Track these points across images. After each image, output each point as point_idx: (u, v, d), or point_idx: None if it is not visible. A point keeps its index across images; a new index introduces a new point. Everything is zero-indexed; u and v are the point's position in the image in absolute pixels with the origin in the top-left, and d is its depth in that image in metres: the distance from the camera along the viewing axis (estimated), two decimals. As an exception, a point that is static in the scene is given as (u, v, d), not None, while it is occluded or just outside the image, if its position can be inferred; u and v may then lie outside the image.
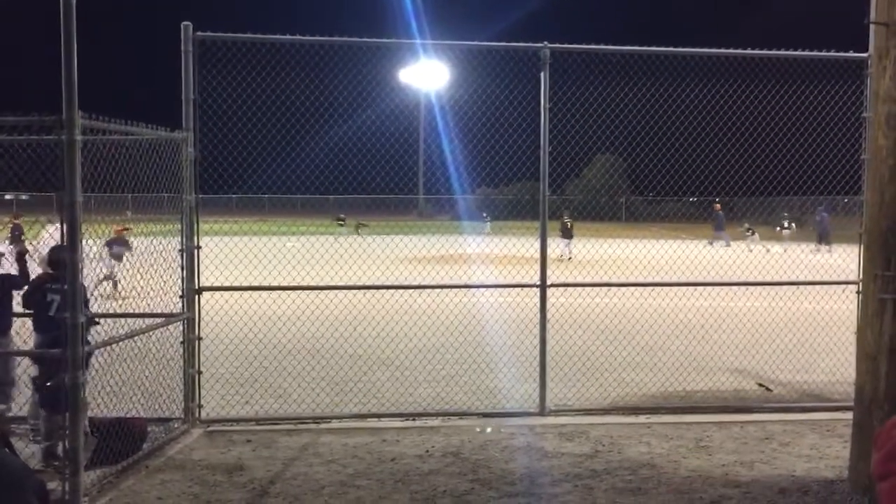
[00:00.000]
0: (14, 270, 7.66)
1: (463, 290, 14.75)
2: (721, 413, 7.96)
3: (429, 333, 10.08)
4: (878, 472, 1.73)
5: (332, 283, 10.99)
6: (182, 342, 7.33)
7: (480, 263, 21.64)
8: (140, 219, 7.52)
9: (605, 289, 13.65)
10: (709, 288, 11.26)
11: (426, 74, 39.05)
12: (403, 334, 10.60)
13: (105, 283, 13.79)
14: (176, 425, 7.17)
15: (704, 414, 7.93)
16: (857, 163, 8.20)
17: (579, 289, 9.24)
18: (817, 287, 11.55)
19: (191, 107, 7.29)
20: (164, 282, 7.17)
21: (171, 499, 5.62)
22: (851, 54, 8.07)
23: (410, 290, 9.80)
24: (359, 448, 6.76)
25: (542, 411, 7.83)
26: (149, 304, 7.25)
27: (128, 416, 6.65)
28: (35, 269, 7.25)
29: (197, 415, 7.43)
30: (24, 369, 6.94)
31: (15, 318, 7.37)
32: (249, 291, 8.81)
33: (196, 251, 7.42)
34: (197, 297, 7.44)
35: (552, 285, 8.01)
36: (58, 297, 6.50)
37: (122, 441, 6.26)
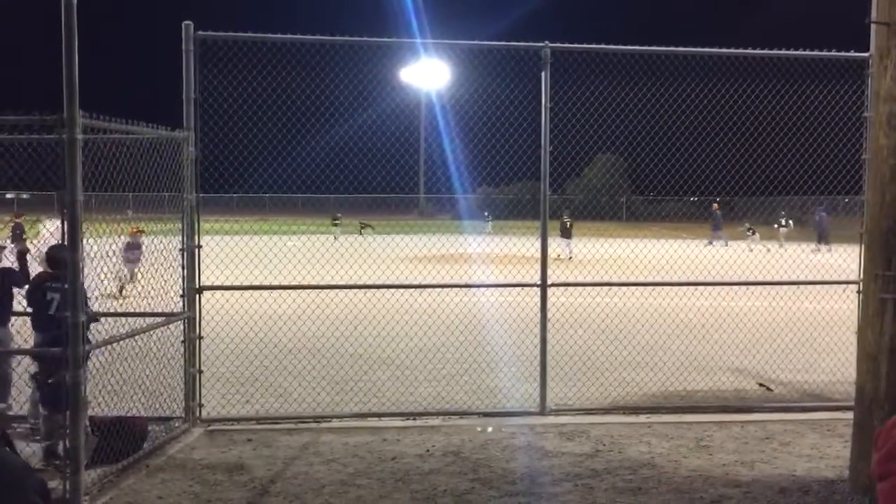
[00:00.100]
0: (15, 268, 7.66)
1: (463, 289, 14.75)
2: (721, 413, 7.96)
3: (429, 333, 10.08)
4: (878, 472, 1.73)
5: (333, 283, 11.00)
6: (183, 341, 7.33)
7: (481, 263, 21.64)
8: (141, 218, 7.52)
9: (605, 288, 13.65)
10: (709, 287, 11.26)
11: (427, 74, 39.02)
12: (404, 333, 10.60)
13: (115, 282, 13.62)
14: (176, 424, 7.18)
15: (705, 413, 7.93)
16: (857, 162, 8.20)
17: (580, 288, 9.25)
18: (818, 287, 11.55)
19: (192, 106, 7.30)
20: (165, 281, 7.18)
21: (172, 498, 5.62)
22: (852, 54, 8.06)
23: (411, 290, 9.81)
24: (359, 447, 6.76)
25: (543, 411, 7.83)
26: (149, 304, 7.25)
27: (128, 415, 6.66)
28: (36, 269, 7.26)
29: (197, 414, 7.43)
30: (25, 368, 6.94)
31: (16, 318, 7.38)
32: (250, 291, 8.82)
33: (197, 250, 7.42)
34: (198, 296, 7.44)
35: (553, 285, 8.01)
36: (57, 296, 6.51)
37: (123, 440, 6.27)
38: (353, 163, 10.21)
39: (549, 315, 8.03)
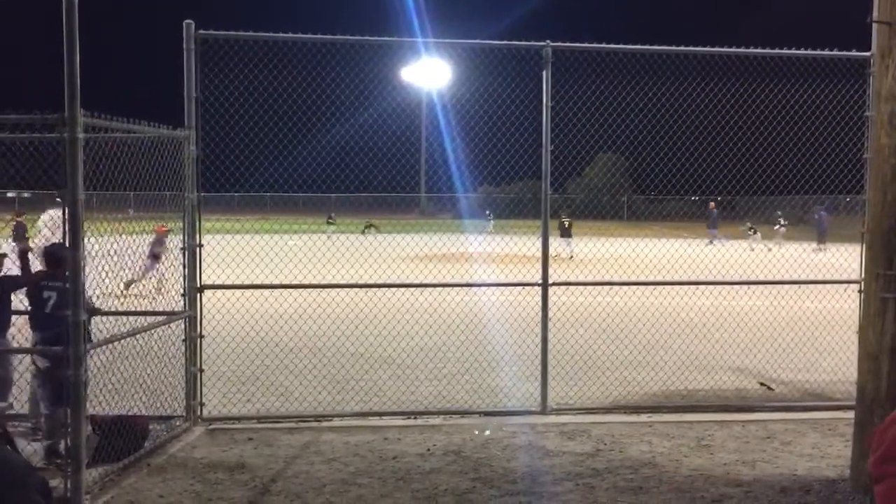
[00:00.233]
0: (17, 268, 7.67)
1: (465, 288, 14.76)
2: (723, 412, 7.95)
3: (430, 332, 10.08)
4: (874, 474, 1.73)
5: (334, 282, 11.00)
6: (184, 340, 7.33)
7: (482, 262, 21.64)
8: (142, 217, 7.52)
9: (606, 287, 13.66)
10: (710, 287, 11.26)
11: (428, 73, 39.07)
12: (405, 333, 10.60)
13: (134, 282, 13.45)
14: (178, 423, 7.18)
15: (706, 413, 7.92)
16: (859, 162, 8.20)
17: (581, 287, 9.25)
18: (819, 286, 11.55)
19: (193, 105, 7.30)
20: (167, 280, 7.18)
21: (173, 496, 5.63)
22: (854, 53, 8.05)
23: (412, 289, 9.78)
24: (360, 446, 6.76)
25: (544, 410, 7.83)
26: (151, 302, 7.26)
27: (130, 414, 6.66)
28: (37, 267, 7.26)
29: (198, 413, 7.44)
30: (27, 367, 6.94)
31: (17, 317, 7.38)
32: (251, 290, 8.82)
33: (198, 249, 7.42)
34: (199, 295, 7.45)
35: (554, 284, 8.00)
36: (54, 294, 6.51)
37: (124, 439, 6.27)
38: (355, 162, 10.22)
39: (551, 314, 8.02)
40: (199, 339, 7.44)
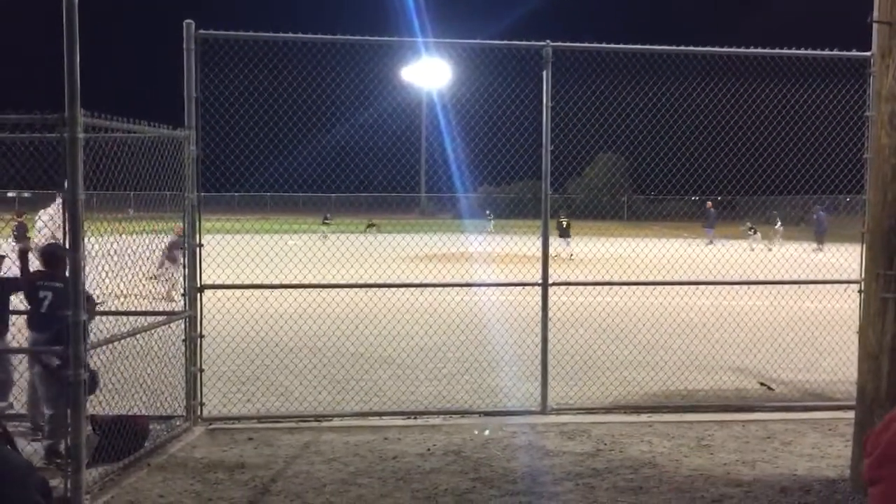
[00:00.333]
0: (17, 268, 7.67)
1: (465, 288, 14.77)
2: (723, 412, 7.95)
3: (430, 332, 10.08)
4: (868, 477, 1.73)
5: (334, 282, 10.99)
6: (184, 340, 7.33)
7: (482, 262, 21.65)
8: (142, 217, 7.52)
9: (606, 287, 13.66)
10: (710, 287, 11.26)
11: (428, 73, 39.08)
12: (405, 333, 10.61)
13: (155, 282, 13.09)
14: (178, 423, 7.18)
15: (706, 413, 7.92)
16: (859, 161, 8.20)
17: (581, 287, 9.24)
18: (819, 286, 11.55)
19: (193, 105, 7.29)
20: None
21: (173, 496, 5.63)
22: (854, 53, 8.05)
23: (412, 289, 9.79)
24: (360, 446, 6.76)
25: (544, 410, 7.83)
26: (151, 302, 7.26)
27: (130, 413, 6.66)
28: (37, 267, 7.26)
29: (199, 413, 7.43)
30: (27, 367, 6.94)
31: (18, 316, 7.38)
32: (251, 290, 8.81)
33: (198, 249, 7.42)
34: (199, 294, 7.45)
35: (554, 284, 8.00)
36: (50, 294, 6.51)
37: (124, 439, 6.27)
38: (355, 162, 10.21)
39: (551, 314, 8.02)
40: (199, 339, 7.44)
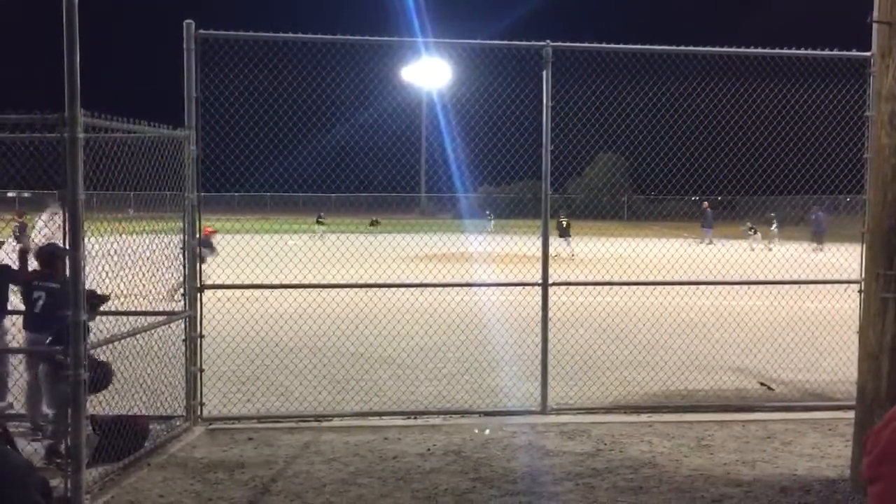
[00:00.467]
0: (14, 264, 7.67)
1: (465, 288, 14.76)
2: (723, 412, 7.96)
3: (430, 332, 10.08)
4: (868, 475, 1.73)
5: (334, 282, 10.99)
6: (184, 340, 7.33)
7: (482, 262, 21.65)
8: (142, 217, 7.52)
9: (606, 287, 13.65)
10: (710, 287, 11.26)
11: (428, 73, 39.03)
12: (405, 332, 10.61)
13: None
14: (178, 423, 7.18)
15: (706, 413, 7.92)
16: (859, 161, 8.19)
17: (581, 287, 9.23)
18: (819, 286, 11.55)
19: (193, 105, 7.30)
20: (167, 280, 7.18)
21: (173, 496, 5.63)
22: (854, 53, 8.05)
23: (412, 289, 9.79)
24: (360, 446, 6.76)
25: (544, 410, 7.83)
26: (151, 302, 7.26)
27: (130, 413, 6.66)
28: (35, 267, 7.26)
29: (199, 412, 7.44)
30: (27, 368, 6.94)
31: (18, 316, 7.38)
32: (251, 290, 8.81)
33: (198, 249, 7.42)
34: (199, 294, 7.45)
35: (554, 284, 8.01)
36: (43, 294, 6.51)
37: (125, 439, 6.27)
38: (355, 162, 10.21)
39: (551, 314, 8.02)
40: (199, 339, 7.45)
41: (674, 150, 9.56)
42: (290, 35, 7.56)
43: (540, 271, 7.99)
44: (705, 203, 34.52)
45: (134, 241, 6.61)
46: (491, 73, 8.35)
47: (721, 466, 6.33)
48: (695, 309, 12.47)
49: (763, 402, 8.44)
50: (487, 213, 40.83)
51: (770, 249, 31.00)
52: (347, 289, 10.05)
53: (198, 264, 7.36)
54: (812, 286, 12.24)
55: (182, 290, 7.45)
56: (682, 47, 8.19)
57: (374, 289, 12.13)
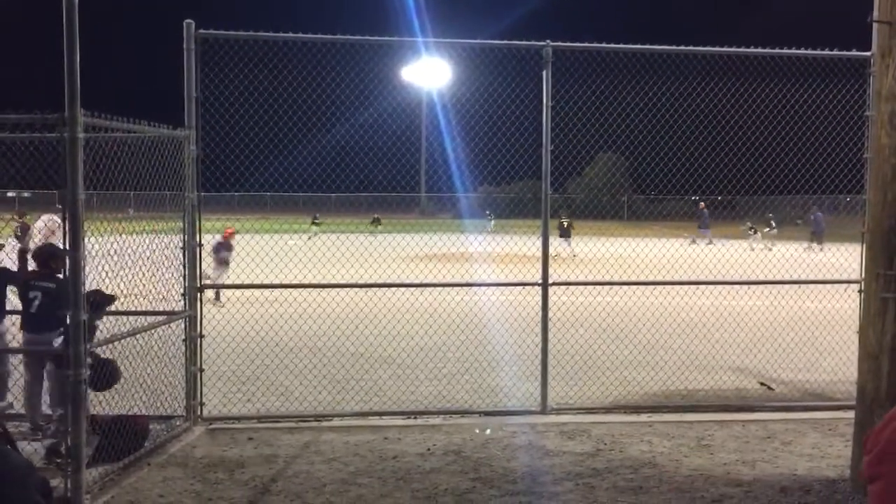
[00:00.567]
0: (15, 268, 7.67)
1: (465, 288, 14.76)
2: (723, 412, 7.96)
3: (430, 332, 10.08)
4: (868, 474, 1.74)
5: (334, 282, 10.99)
6: (184, 340, 7.33)
7: (482, 262, 21.65)
8: (142, 216, 7.52)
9: (606, 287, 13.65)
10: (710, 287, 11.26)
11: (428, 72, 39.03)
12: (405, 332, 10.61)
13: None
14: (178, 423, 7.18)
15: (706, 413, 7.92)
16: (859, 161, 8.20)
17: (581, 287, 9.22)
18: (819, 286, 11.55)
19: (193, 104, 7.30)
20: (167, 279, 7.18)
21: (173, 496, 5.63)
22: (854, 53, 8.05)
23: (412, 289, 9.80)
24: (360, 446, 6.76)
25: (544, 410, 7.83)
26: (151, 302, 7.26)
27: (130, 413, 6.66)
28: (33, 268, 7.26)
29: (199, 412, 7.44)
30: (25, 368, 6.94)
31: (17, 317, 7.38)
32: (251, 289, 8.80)
33: (198, 249, 7.43)
34: (199, 294, 7.45)
35: (554, 284, 8.01)
36: (39, 294, 6.51)
37: (125, 438, 6.27)
38: (355, 162, 10.21)
39: (551, 314, 8.02)
40: (199, 339, 7.45)
41: (674, 149, 9.56)
42: (290, 35, 7.56)
43: (540, 271, 7.99)
44: (701, 204, 34.56)
45: (134, 241, 6.61)
46: (491, 73, 8.35)
47: (721, 466, 6.33)
48: (695, 309, 12.47)
49: (763, 402, 8.44)
50: (487, 212, 40.84)
51: (770, 249, 31.00)
52: (347, 289, 10.04)
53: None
54: (812, 286, 12.24)
55: (181, 290, 7.44)
56: (682, 47, 8.19)
57: (374, 289, 12.12)
